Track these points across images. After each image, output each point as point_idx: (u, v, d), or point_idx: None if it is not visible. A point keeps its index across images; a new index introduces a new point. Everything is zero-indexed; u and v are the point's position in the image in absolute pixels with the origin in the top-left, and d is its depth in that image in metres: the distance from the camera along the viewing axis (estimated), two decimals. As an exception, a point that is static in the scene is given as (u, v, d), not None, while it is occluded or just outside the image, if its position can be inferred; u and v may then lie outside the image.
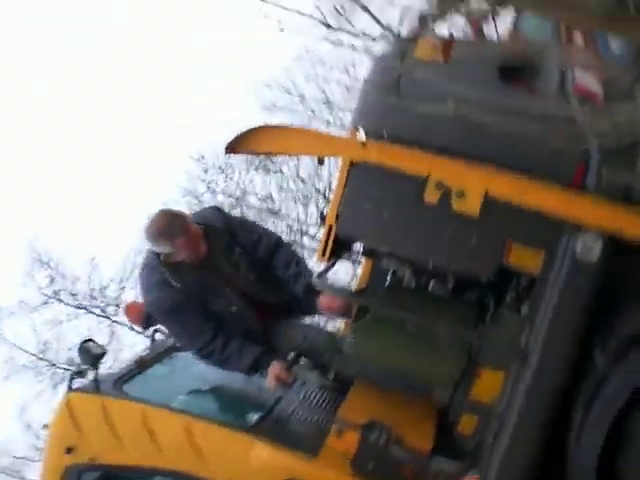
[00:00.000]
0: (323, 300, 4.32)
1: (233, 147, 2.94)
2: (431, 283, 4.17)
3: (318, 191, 25.64)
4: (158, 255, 4.31)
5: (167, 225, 4.28)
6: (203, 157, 25.16)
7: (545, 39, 3.02)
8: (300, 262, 4.65)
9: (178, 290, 4.24)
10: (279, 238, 4.86)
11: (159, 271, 4.29)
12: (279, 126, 3.07)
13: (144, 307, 4.66)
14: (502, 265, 3.49)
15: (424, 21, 2.13)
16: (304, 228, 25.43)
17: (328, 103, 25.15)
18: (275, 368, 4.18)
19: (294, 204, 26.13)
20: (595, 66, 3.02)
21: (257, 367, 4.26)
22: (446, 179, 2.86)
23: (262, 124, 2.96)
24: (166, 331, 4.88)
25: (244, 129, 2.90)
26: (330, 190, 21.37)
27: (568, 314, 3.38)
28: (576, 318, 3.37)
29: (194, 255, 4.31)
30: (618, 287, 3.49)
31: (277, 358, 4.22)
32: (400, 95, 2.78)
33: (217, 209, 4.93)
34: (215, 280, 4.39)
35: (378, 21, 2.17)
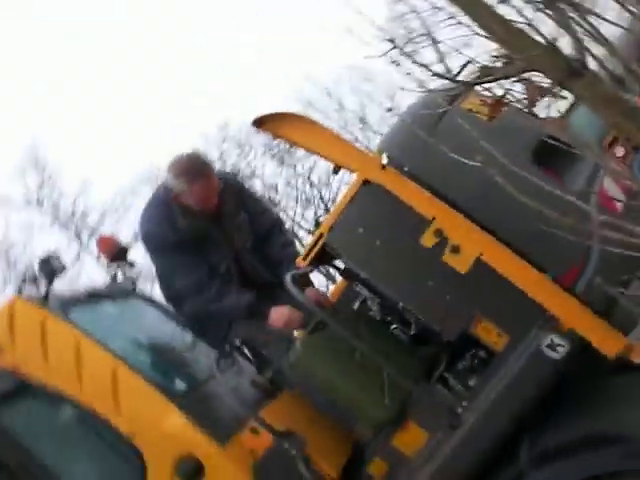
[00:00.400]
0: (310, 292, 4.33)
1: (261, 122, 2.93)
2: (395, 324, 4.17)
3: (322, 199, 25.68)
4: (170, 192, 4.30)
5: (193, 165, 4.30)
6: (227, 125, 25.19)
7: (589, 137, 3.03)
8: (295, 249, 4.70)
9: (181, 230, 4.25)
10: (282, 219, 4.91)
11: (168, 207, 4.29)
12: (313, 120, 3.05)
13: (120, 242, 4.64)
14: (467, 331, 3.51)
15: (484, 74, 2.13)
16: (295, 229, 25.45)
17: (363, 120, 25.23)
18: (274, 313, 4.20)
19: (295, 203, 26.14)
20: (625, 181, 3.04)
21: (254, 309, 4.25)
22: (447, 230, 2.87)
23: (297, 112, 2.95)
24: (135, 271, 4.90)
25: (279, 110, 2.89)
26: (333, 202, 21.41)
27: (512, 401, 3.39)
28: (518, 407, 3.38)
29: (203, 204, 4.31)
30: (566, 391, 3.51)
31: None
32: (434, 136, 2.78)
33: (234, 174, 4.99)
34: (216, 234, 4.41)
35: (442, 59, 2.16)
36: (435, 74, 2.21)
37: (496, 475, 3.49)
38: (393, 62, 2.23)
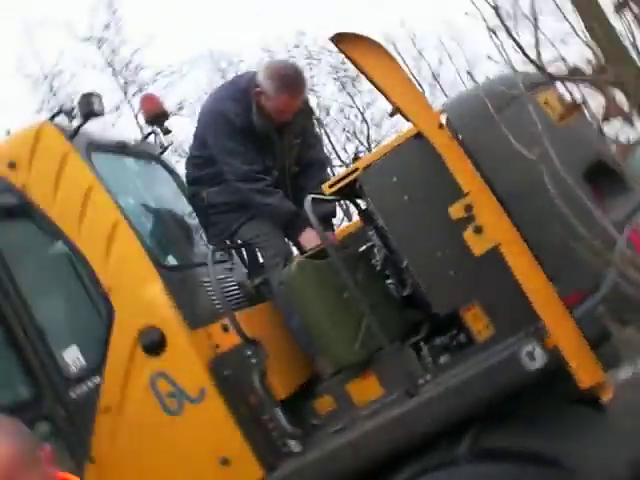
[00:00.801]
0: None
1: (340, 39, 2.84)
2: (392, 280, 4.18)
3: (368, 137, 25.51)
4: (254, 87, 4.32)
5: (292, 77, 4.35)
6: (304, 34, 24.92)
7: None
8: None
9: (252, 123, 4.30)
10: (329, 160, 4.95)
11: (247, 98, 4.32)
12: (391, 55, 2.95)
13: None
14: (457, 312, 3.51)
15: (573, 74, 2.07)
16: (332, 157, 25.33)
17: (435, 78, 24.86)
18: (307, 235, 4.29)
19: (340, 132, 25.98)
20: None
21: (291, 219, 4.32)
22: (478, 208, 2.82)
23: (378, 41, 2.84)
24: (167, 138, 4.95)
25: (357, 33, 2.80)
26: (377, 145, 21.27)
27: (473, 391, 3.41)
28: (476, 399, 3.40)
29: (279, 115, 4.36)
30: (529, 402, 3.53)
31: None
32: (500, 116, 2.72)
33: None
34: (277, 145, 4.46)
35: (537, 45, 2.08)
36: (526, 56, 2.14)
37: (430, 454, 3.53)
38: (490, 30, 2.16)
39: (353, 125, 26.41)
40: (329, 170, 4.98)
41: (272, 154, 4.46)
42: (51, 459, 2.06)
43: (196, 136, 4.66)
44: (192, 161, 4.67)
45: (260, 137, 4.37)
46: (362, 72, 3.08)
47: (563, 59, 2.36)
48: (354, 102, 26.30)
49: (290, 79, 4.33)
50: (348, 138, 26.01)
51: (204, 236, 5.06)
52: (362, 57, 2.83)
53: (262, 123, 4.33)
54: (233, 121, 4.30)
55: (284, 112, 4.36)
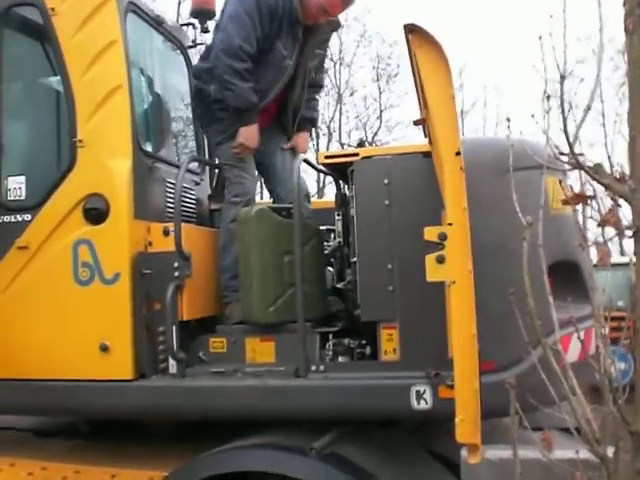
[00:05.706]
0: None
1: (414, 29, 2.77)
2: (333, 267, 4.20)
3: (374, 135, 25.53)
4: None
5: None
6: (369, 12, 24.82)
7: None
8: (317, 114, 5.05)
9: (287, 13, 4.18)
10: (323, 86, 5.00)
11: None
12: (450, 68, 2.86)
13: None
14: (376, 325, 3.55)
15: (596, 172, 2.08)
16: (333, 134, 25.38)
17: (461, 114, 24.95)
18: (250, 131, 4.21)
19: (353, 117, 25.93)
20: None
21: (244, 113, 4.19)
22: (452, 242, 2.80)
23: (443, 45, 2.75)
24: (200, 35, 4.99)
25: (432, 34, 2.73)
26: (381, 145, 21.30)
27: (351, 402, 3.45)
28: (350, 409, 3.47)
29: (316, 12, 4.24)
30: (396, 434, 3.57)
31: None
32: (512, 174, 2.72)
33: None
34: (295, 39, 4.32)
35: (572, 148, 2.08)
36: (567, 138, 2.14)
37: (285, 433, 3.62)
38: (546, 111, 2.17)
39: (368, 118, 26.42)
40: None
41: (292, 47, 4.30)
42: None
43: (219, 25, 4.35)
44: (206, 54, 4.43)
45: (284, 27, 4.23)
46: (415, 70, 3.03)
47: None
48: (380, 97, 26.32)
49: None
50: (357, 126, 26.02)
51: (189, 143, 5.07)
52: (424, 56, 2.77)
53: (298, 13, 4.21)
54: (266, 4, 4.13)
55: (325, 12, 4.26)
